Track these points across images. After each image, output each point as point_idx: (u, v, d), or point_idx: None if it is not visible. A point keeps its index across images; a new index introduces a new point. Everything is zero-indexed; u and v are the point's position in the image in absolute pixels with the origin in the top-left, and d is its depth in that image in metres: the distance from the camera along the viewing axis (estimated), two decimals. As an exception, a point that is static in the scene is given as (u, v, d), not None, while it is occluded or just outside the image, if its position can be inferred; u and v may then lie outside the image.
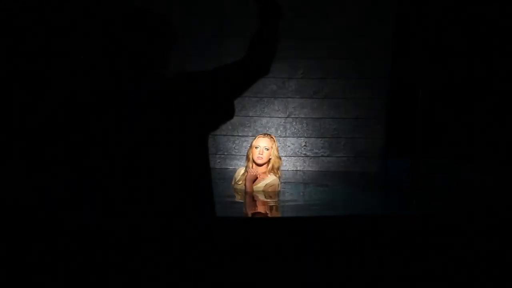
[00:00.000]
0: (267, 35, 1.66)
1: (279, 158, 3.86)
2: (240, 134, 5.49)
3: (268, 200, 3.66)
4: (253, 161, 3.81)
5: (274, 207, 3.58)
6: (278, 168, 3.84)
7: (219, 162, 5.50)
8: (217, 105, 1.57)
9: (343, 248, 2.71)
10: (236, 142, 5.50)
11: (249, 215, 3.35)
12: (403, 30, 5.51)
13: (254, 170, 3.76)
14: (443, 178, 4.90)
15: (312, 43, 5.43)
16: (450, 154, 5.36)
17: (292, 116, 5.50)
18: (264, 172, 3.81)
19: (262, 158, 3.75)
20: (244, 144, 5.33)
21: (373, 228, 2.80)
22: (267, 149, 3.77)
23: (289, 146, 5.51)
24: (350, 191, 4.62)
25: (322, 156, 5.53)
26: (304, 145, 5.52)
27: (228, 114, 1.62)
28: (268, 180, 3.78)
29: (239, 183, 3.87)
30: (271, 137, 3.87)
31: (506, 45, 5.06)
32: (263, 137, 3.85)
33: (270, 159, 3.79)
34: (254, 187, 3.76)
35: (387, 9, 5.39)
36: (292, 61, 5.44)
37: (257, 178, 3.75)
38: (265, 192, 3.75)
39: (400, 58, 5.52)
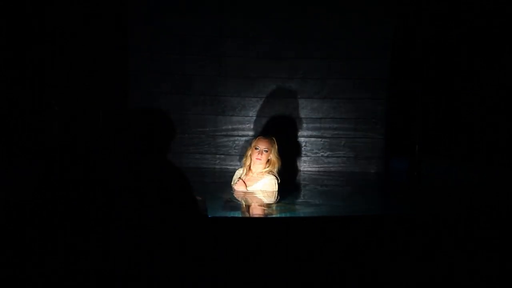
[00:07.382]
0: None
1: (279, 159, 3.84)
2: (240, 134, 5.49)
3: (267, 200, 3.66)
4: (251, 161, 3.82)
5: (272, 207, 3.57)
6: (276, 169, 3.83)
7: (219, 162, 5.50)
8: None
9: (343, 248, 2.71)
10: (236, 142, 5.50)
11: (248, 215, 3.34)
12: (403, 30, 5.52)
13: (240, 182, 3.80)
14: (443, 178, 4.91)
15: (312, 43, 5.43)
16: (450, 154, 5.37)
17: (292, 116, 5.50)
18: (262, 173, 3.81)
19: (260, 160, 3.76)
20: (244, 144, 5.33)
21: (373, 228, 2.80)
22: (266, 151, 3.77)
23: (289, 146, 5.51)
24: (350, 191, 4.62)
25: (322, 156, 5.53)
26: (304, 145, 5.53)
27: None
28: (266, 180, 3.78)
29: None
30: (272, 139, 3.85)
31: (506, 45, 5.06)
32: (264, 138, 3.84)
33: (269, 160, 3.80)
34: (252, 188, 3.77)
35: (387, 9, 5.39)
36: (292, 61, 5.45)
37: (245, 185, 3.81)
38: (263, 192, 3.75)
39: (400, 58, 5.52)
